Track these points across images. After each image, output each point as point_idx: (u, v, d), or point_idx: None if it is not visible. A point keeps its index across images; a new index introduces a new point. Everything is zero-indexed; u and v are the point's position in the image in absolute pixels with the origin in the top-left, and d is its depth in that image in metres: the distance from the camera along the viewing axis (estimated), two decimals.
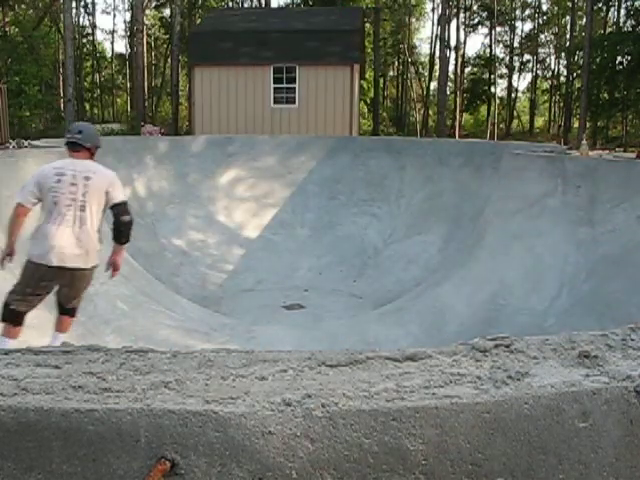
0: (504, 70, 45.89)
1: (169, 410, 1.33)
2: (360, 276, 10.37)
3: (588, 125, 29.79)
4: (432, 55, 42.28)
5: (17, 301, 4.48)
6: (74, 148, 4.62)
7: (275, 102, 17.51)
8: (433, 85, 43.33)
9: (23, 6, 35.04)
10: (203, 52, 17.82)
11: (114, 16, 78.22)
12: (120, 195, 4.63)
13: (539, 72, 47.79)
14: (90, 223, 4.48)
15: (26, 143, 8.05)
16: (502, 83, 47.86)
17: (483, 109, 43.88)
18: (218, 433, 1.32)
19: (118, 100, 48.14)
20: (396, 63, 47.92)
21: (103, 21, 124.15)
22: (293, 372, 1.53)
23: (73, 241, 4.41)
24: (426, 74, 45.31)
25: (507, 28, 45.74)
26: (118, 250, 4.77)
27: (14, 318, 4.51)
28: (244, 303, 9.25)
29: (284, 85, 17.48)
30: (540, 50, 46.27)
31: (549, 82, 47.62)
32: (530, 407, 1.37)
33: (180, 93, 33.66)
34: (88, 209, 4.45)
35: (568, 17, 40.96)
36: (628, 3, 30.69)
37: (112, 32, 49.01)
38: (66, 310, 4.82)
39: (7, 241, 4.56)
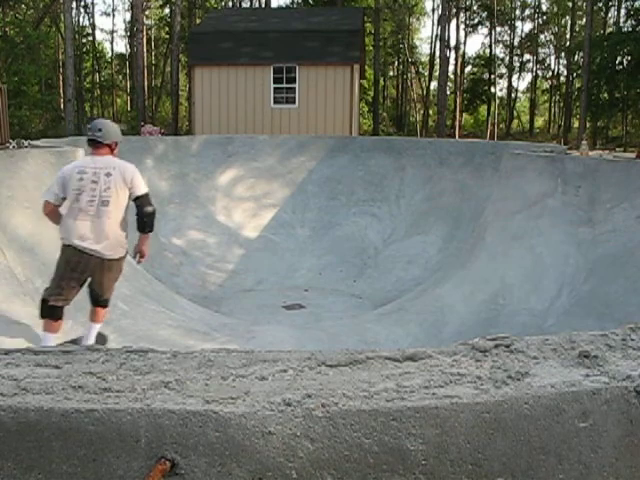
0: (504, 70, 45.92)
1: (169, 410, 1.33)
2: (360, 276, 10.37)
3: (588, 125, 29.79)
4: (432, 55, 42.31)
5: (53, 296, 4.68)
6: (95, 145, 4.85)
7: (275, 102, 17.50)
8: (433, 85, 43.39)
9: (23, 6, 35.02)
10: (203, 52, 17.81)
11: (114, 16, 78.20)
12: (142, 187, 4.86)
13: (539, 72, 47.84)
14: (114, 217, 4.71)
15: (26, 143, 8.03)
16: (502, 83, 47.93)
17: (483, 109, 43.89)
18: (218, 433, 1.31)
19: (118, 100, 48.10)
20: (396, 63, 47.96)
21: (103, 21, 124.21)
22: (293, 372, 1.53)
23: (96, 234, 4.64)
24: (426, 74, 45.32)
25: (507, 28, 45.76)
26: (143, 239, 5.04)
27: (53, 313, 4.75)
28: (244, 303, 9.25)
29: (284, 85, 17.47)
30: (540, 50, 46.31)
31: (549, 82, 47.62)
32: (530, 407, 1.37)
33: (180, 93, 33.65)
34: (111, 204, 4.68)
35: (568, 17, 41.01)
36: (628, 3, 30.73)
37: (112, 32, 49.15)
38: (100, 302, 5.04)
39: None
